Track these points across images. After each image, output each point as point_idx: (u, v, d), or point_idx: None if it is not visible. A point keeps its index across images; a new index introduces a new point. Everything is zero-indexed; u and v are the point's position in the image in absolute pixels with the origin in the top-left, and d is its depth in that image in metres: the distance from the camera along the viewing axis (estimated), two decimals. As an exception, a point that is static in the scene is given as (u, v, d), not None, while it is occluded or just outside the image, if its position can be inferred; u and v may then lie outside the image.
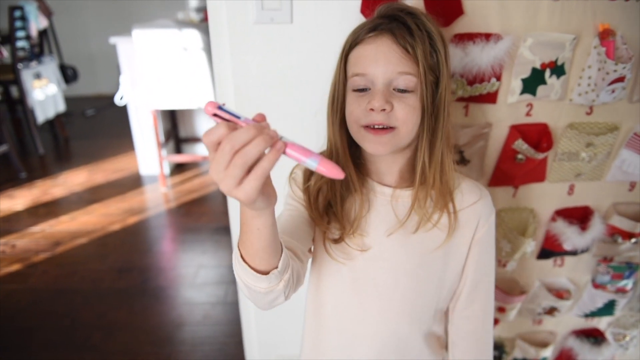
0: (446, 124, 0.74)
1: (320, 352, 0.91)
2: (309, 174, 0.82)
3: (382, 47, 0.69)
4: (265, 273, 0.59)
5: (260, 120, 0.48)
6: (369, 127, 0.71)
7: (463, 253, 0.83)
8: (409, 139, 0.74)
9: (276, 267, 0.60)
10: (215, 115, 0.48)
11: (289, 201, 0.83)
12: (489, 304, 0.87)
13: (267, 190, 0.50)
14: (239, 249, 0.60)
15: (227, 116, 0.48)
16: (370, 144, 0.72)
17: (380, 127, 0.70)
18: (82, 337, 2.02)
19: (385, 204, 0.80)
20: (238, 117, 0.48)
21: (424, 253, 0.81)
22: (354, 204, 0.80)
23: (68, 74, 4.30)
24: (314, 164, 0.46)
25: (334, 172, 0.46)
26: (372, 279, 0.82)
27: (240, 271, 0.60)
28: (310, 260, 0.87)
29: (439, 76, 0.72)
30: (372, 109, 0.69)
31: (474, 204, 0.82)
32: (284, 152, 0.46)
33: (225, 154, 0.44)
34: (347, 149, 0.78)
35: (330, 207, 0.80)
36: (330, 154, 0.79)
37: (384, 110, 0.69)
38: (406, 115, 0.70)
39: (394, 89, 0.70)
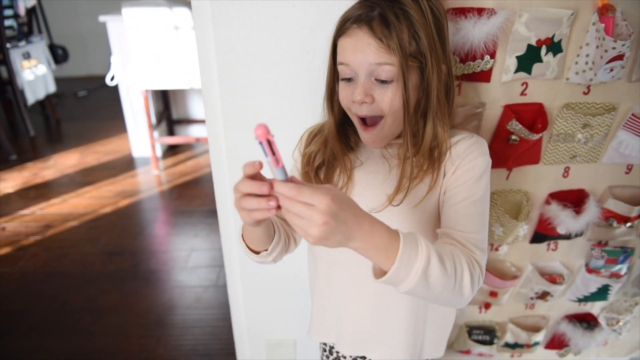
0: (441, 105, 0.76)
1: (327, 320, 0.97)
2: (309, 141, 0.90)
3: (361, 40, 0.71)
4: (257, 252, 0.82)
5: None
6: (360, 120, 0.77)
7: (434, 203, 0.81)
8: (398, 126, 0.78)
9: (266, 250, 0.81)
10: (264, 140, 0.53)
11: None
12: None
13: (257, 222, 0.65)
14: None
15: (270, 150, 0.54)
16: (364, 138, 0.80)
17: (368, 117, 0.76)
18: (71, 321, 2.00)
19: (376, 158, 0.85)
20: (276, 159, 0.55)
21: (406, 209, 0.81)
22: (337, 175, 0.87)
23: (58, 54, 4.22)
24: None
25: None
26: None
27: (241, 245, 0.83)
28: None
29: (423, 60, 0.73)
30: (354, 101, 0.74)
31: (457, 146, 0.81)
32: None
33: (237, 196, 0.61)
34: (335, 129, 0.83)
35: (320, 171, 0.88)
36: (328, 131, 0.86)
37: (365, 102, 0.73)
38: (387, 106, 0.74)
39: (375, 79, 0.73)
